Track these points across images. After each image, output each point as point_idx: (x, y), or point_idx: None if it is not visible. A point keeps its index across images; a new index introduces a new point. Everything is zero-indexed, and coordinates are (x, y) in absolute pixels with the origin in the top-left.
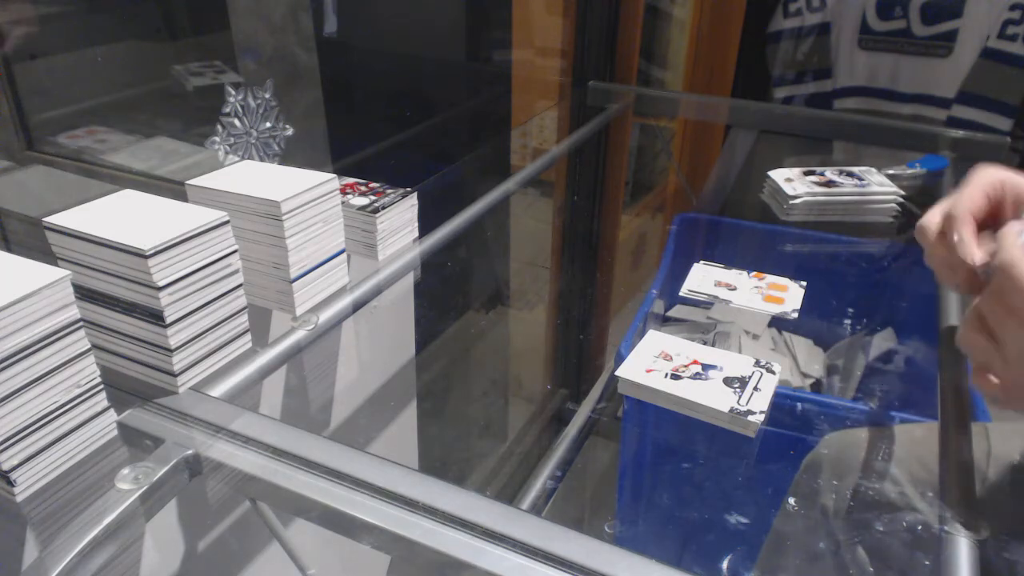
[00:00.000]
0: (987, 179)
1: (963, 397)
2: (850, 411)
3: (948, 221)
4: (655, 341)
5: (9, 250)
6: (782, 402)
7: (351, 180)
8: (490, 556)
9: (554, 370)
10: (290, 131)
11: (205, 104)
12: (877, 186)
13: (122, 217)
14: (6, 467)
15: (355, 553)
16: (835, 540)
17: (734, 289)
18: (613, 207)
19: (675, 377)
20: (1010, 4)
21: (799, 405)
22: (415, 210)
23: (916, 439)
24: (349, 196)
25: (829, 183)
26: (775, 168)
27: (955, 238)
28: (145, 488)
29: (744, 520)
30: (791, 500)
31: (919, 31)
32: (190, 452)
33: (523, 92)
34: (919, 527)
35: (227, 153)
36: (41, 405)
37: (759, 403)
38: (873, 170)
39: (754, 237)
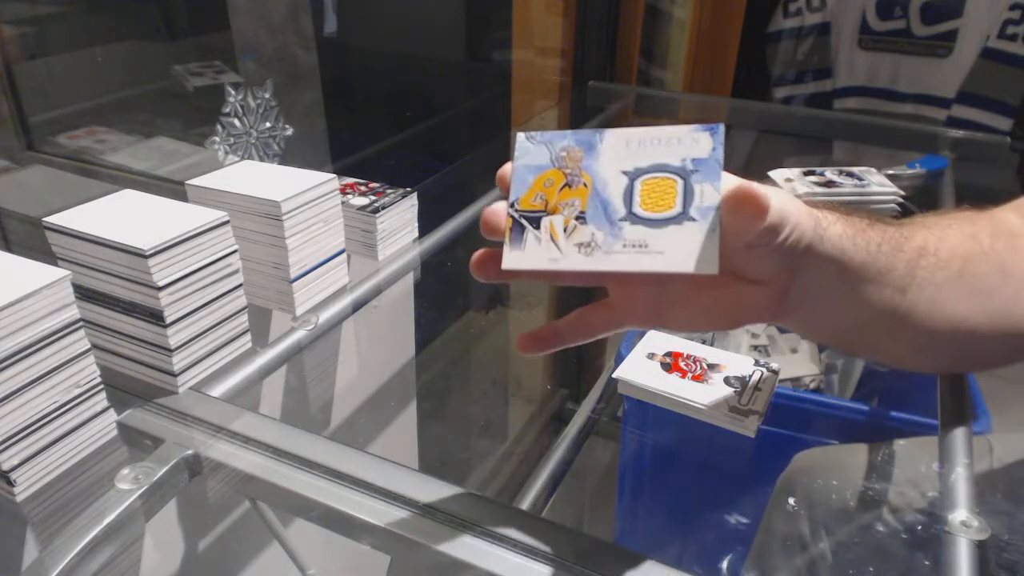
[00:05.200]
0: None
1: (963, 397)
2: (850, 411)
3: None
4: (655, 341)
5: (9, 250)
6: (782, 402)
7: (351, 180)
8: (490, 556)
9: (554, 370)
10: (290, 131)
11: (205, 104)
12: (877, 186)
13: (122, 217)
14: (6, 467)
15: (355, 553)
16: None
17: None
18: None
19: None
20: (1010, 4)
21: (799, 405)
22: (415, 210)
23: (900, 455)
24: (349, 196)
25: (829, 183)
26: (775, 168)
27: None
28: (145, 488)
29: (744, 520)
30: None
31: (919, 31)
32: (190, 452)
33: (523, 92)
34: (919, 527)
35: (227, 153)
36: (41, 405)
37: (759, 403)
38: (873, 170)
39: None
